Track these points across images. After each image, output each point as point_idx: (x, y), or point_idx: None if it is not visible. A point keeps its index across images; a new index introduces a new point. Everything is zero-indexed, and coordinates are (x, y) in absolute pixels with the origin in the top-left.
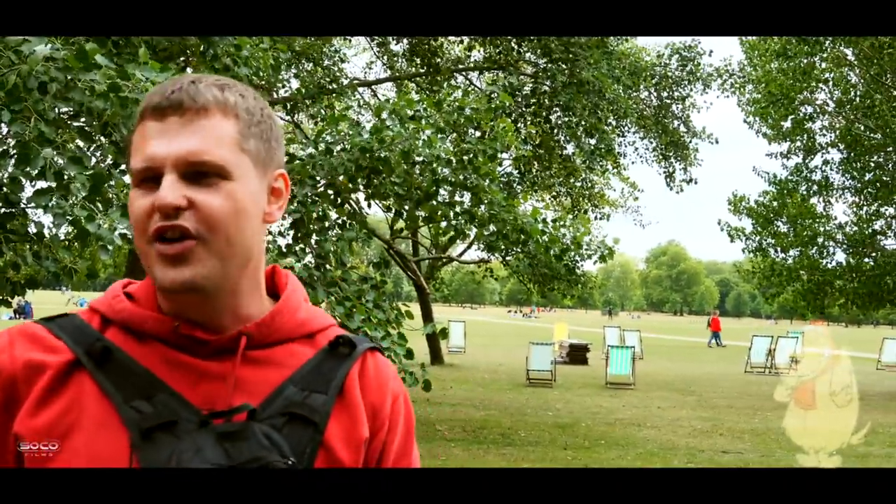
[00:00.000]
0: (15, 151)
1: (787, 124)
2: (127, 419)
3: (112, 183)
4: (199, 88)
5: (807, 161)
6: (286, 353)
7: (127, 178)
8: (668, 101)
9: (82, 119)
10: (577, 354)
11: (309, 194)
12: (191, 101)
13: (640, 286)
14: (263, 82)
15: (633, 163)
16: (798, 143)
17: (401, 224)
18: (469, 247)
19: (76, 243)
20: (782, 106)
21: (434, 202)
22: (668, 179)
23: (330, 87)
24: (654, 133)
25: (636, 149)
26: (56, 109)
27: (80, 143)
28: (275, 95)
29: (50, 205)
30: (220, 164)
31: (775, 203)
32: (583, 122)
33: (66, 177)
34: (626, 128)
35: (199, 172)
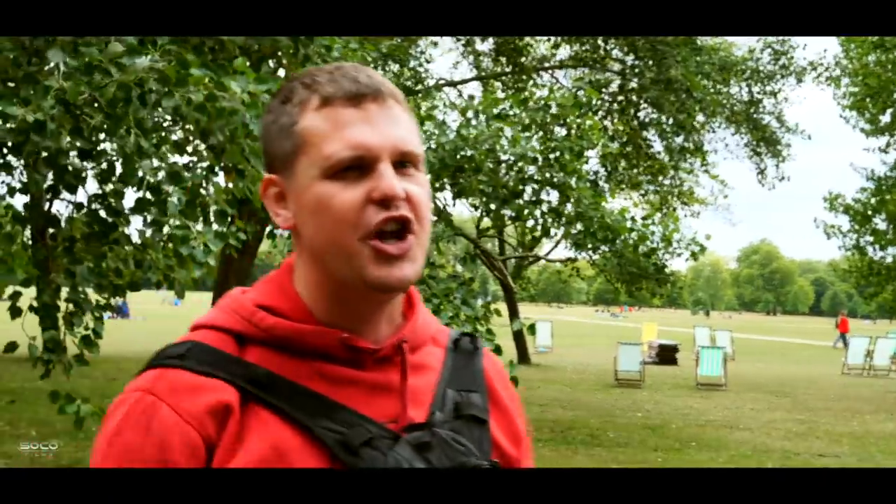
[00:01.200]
0: (119, 164)
1: (886, 118)
2: (327, 439)
3: (211, 190)
4: (378, 77)
5: None
6: (427, 356)
7: (221, 181)
8: (760, 96)
9: (178, 127)
10: (666, 355)
11: None
12: (387, 89)
13: (731, 286)
14: None
15: (724, 159)
16: None
17: (487, 222)
18: (556, 245)
19: (169, 246)
20: (880, 99)
21: (520, 201)
22: (760, 176)
23: (416, 88)
24: (746, 129)
25: (726, 145)
26: (152, 118)
27: (176, 157)
28: None
29: (148, 217)
30: (419, 153)
31: (873, 200)
32: (671, 120)
33: (162, 191)
34: (717, 123)
35: (405, 162)
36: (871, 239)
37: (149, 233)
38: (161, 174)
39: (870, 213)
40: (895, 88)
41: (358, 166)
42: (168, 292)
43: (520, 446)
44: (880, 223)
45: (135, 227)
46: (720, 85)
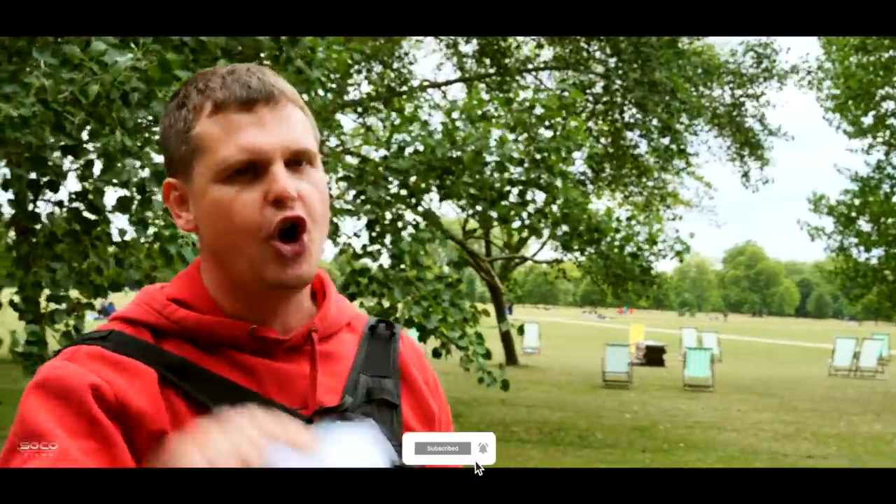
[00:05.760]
0: (101, 162)
1: (869, 120)
2: None
3: None
4: (272, 78)
5: (889, 157)
6: (339, 344)
7: None
8: (743, 99)
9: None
10: (653, 356)
11: (383, 195)
12: (278, 93)
13: (716, 287)
14: (335, 85)
15: (707, 161)
16: (880, 139)
17: (474, 224)
18: (542, 246)
19: (155, 246)
20: (863, 101)
21: (506, 202)
22: (744, 178)
23: (400, 90)
24: (729, 131)
25: (709, 147)
26: (135, 118)
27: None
28: (345, 98)
29: (132, 215)
30: (313, 151)
31: (857, 201)
32: (655, 121)
33: (147, 189)
34: (699, 126)
35: (297, 161)
36: (855, 240)
37: (132, 231)
38: (145, 172)
39: (854, 214)
40: (877, 90)
41: (251, 169)
42: None
43: (432, 424)
44: (864, 224)
45: (116, 226)
46: (703, 88)
